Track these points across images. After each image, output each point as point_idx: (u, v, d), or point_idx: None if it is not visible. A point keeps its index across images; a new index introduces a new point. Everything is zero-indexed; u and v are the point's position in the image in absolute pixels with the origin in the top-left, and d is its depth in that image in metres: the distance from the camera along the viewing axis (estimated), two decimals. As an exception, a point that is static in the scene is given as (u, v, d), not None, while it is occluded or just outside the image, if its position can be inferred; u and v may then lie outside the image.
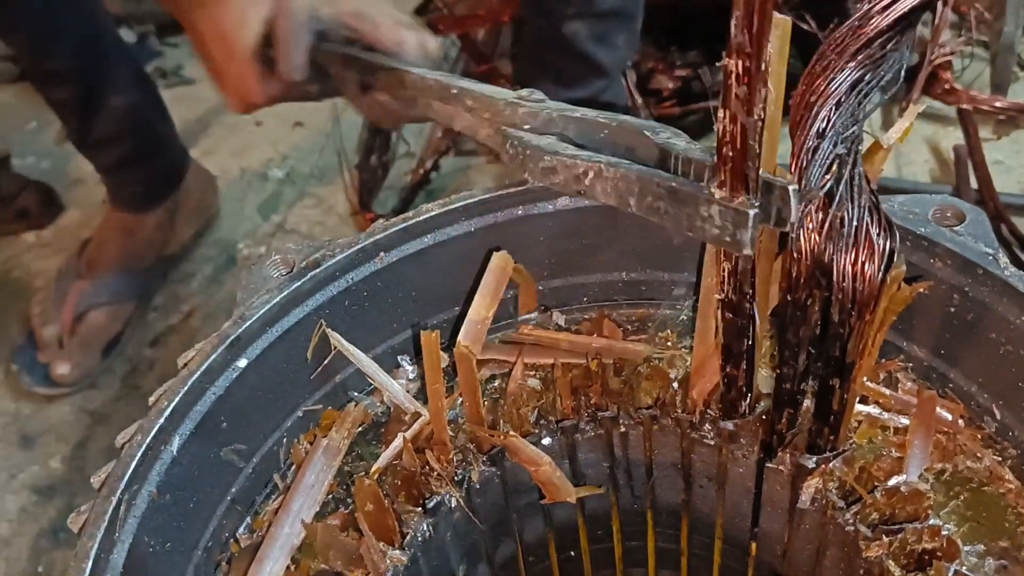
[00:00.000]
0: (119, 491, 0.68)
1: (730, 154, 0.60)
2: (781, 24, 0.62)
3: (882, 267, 0.66)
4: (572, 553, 0.99)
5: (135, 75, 1.78)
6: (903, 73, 0.70)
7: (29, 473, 1.70)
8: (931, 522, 0.73)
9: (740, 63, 0.55)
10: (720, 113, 0.61)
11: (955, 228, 0.77)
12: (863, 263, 0.66)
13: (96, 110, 1.68)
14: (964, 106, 1.94)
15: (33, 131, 2.44)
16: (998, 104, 1.97)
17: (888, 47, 0.67)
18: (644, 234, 0.88)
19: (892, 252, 0.66)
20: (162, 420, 0.72)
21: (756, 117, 0.58)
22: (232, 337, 0.77)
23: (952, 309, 0.77)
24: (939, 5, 1.93)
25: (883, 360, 0.83)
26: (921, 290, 0.67)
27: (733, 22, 0.55)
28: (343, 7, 0.98)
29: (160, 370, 1.85)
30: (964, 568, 0.71)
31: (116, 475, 0.69)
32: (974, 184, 1.84)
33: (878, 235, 0.67)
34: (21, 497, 1.67)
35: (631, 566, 1.03)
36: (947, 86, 1.98)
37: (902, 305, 0.67)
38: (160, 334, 1.91)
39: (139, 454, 0.70)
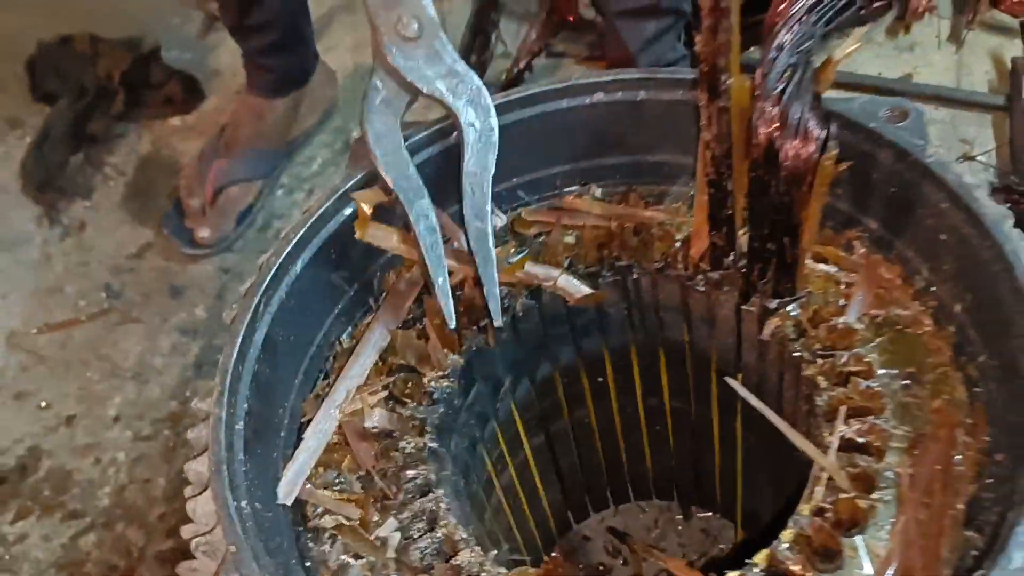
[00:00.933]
0: (259, 293, 0.96)
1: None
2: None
3: (816, 151, 0.88)
4: (600, 380, 1.25)
5: None
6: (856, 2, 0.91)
7: (178, 318, 2.05)
8: (856, 351, 0.96)
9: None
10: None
11: (899, 124, 0.97)
12: (802, 148, 0.88)
13: (255, 1, 1.96)
14: (1028, 20, 2.05)
15: (177, 26, 2.74)
16: (1065, 19, 2.07)
17: None
18: (666, 123, 1.10)
19: (826, 139, 0.88)
20: (290, 247, 1.00)
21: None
22: (340, 190, 1.04)
23: (894, 190, 0.98)
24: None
25: (844, 230, 1.04)
26: (842, 169, 0.89)
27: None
28: None
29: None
30: (876, 384, 0.94)
31: (257, 283, 0.97)
32: (1027, 96, 1.96)
33: (815, 126, 0.88)
34: (171, 337, 2.02)
35: (649, 396, 1.28)
36: None
37: (830, 179, 0.89)
38: (286, 207, 2.22)
39: (274, 268, 0.98)
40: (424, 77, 0.96)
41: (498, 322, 1.01)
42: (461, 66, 0.97)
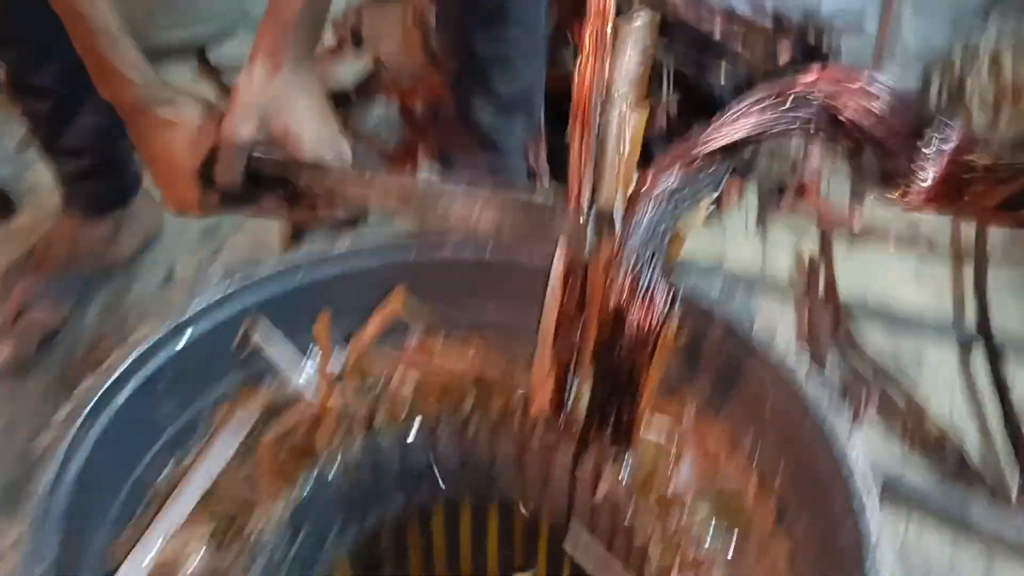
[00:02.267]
0: (78, 422, 0.90)
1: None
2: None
3: (659, 321, 0.93)
4: (427, 535, 1.22)
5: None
6: (720, 189, 0.98)
7: (-43, 446, 1.86)
8: (686, 518, 0.99)
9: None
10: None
11: (728, 302, 1.04)
12: (646, 317, 0.92)
13: (68, 124, 1.90)
14: (824, 221, 2.26)
15: (-6, 138, 2.62)
16: (854, 223, 2.30)
17: (707, 168, 0.95)
18: (507, 282, 1.13)
19: (668, 311, 0.93)
20: (114, 376, 0.94)
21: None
22: (176, 322, 1.00)
23: (724, 359, 1.04)
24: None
25: (674, 396, 1.09)
26: (680, 342, 0.94)
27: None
28: (274, 128, 1.14)
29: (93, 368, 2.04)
30: (705, 549, 0.96)
31: (76, 410, 0.91)
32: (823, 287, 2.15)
33: (661, 298, 0.93)
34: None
35: (477, 554, 1.26)
36: (813, 201, 2.30)
37: (670, 347, 0.93)
38: (96, 336, 2.09)
39: (94, 399, 0.92)
40: None
41: None
42: None
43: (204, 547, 0.95)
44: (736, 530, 0.99)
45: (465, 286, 1.13)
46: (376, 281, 1.11)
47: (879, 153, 0.88)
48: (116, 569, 0.91)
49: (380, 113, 2.69)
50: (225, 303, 1.03)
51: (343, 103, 2.52)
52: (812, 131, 0.92)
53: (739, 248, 2.37)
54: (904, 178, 0.87)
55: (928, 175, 0.87)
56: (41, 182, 2.47)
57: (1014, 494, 1.75)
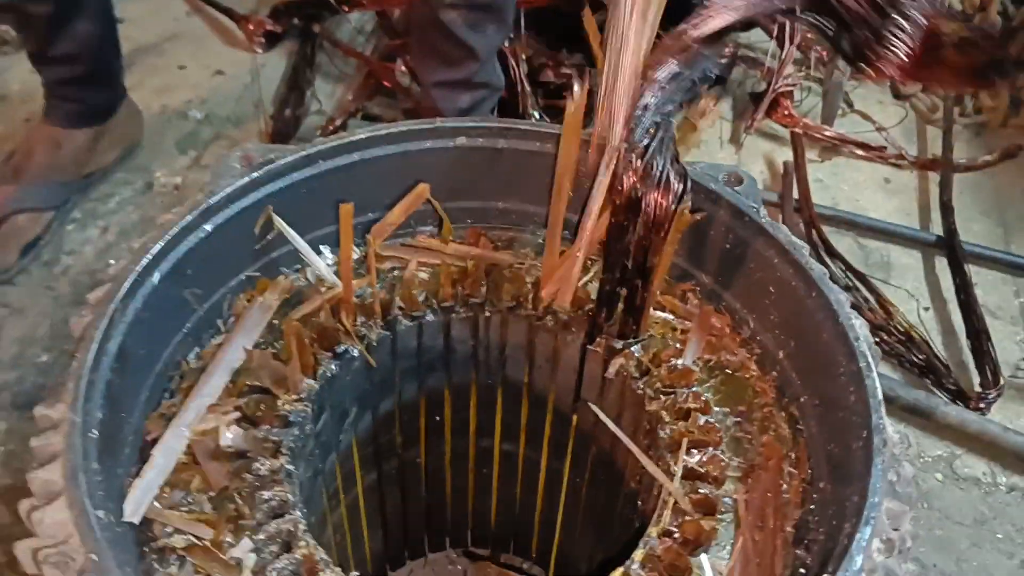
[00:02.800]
0: (116, 300, 0.92)
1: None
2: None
3: (675, 201, 0.97)
4: (438, 418, 1.27)
5: (104, 8, 1.99)
6: (712, 72, 1.01)
7: (-57, 355, 1.87)
8: (694, 389, 1.05)
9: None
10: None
11: (735, 188, 1.09)
12: (662, 198, 0.97)
13: (63, 30, 1.87)
14: (797, 130, 2.31)
15: (-40, 47, 2.56)
16: (825, 132, 2.35)
17: (701, 53, 0.99)
18: (519, 172, 1.16)
19: (683, 192, 0.97)
20: (149, 257, 0.96)
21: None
22: (203, 207, 1.02)
23: (727, 246, 1.09)
24: (786, 42, 2.30)
25: (679, 283, 1.14)
26: (697, 218, 0.98)
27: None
28: None
29: (73, 276, 2.04)
30: (712, 419, 1.02)
31: (113, 291, 0.93)
32: (796, 195, 2.21)
33: (675, 179, 0.97)
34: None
35: (482, 436, 1.32)
36: (786, 112, 2.34)
37: (685, 226, 0.98)
38: (77, 243, 2.09)
39: (131, 278, 0.94)
40: None
41: None
42: None
43: (239, 418, 0.98)
44: (741, 402, 1.05)
45: (479, 175, 1.16)
46: (391, 170, 1.13)
47: (858, 26, 0.93)
48: (157, 439, 0.95)
49: (359, 20, 2.68)
50: (249, 190, 1.05)
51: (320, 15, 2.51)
52: (797, 11, 0.96)
53: (714, 159, 2.42)
54: (882, 50, 0.92)
55: (903, 46, 0.92)
56: (14, 92, 2.43)
57: (976, 389, 1.85)
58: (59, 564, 0.77)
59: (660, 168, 0.97)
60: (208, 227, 1.03)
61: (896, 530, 0.82)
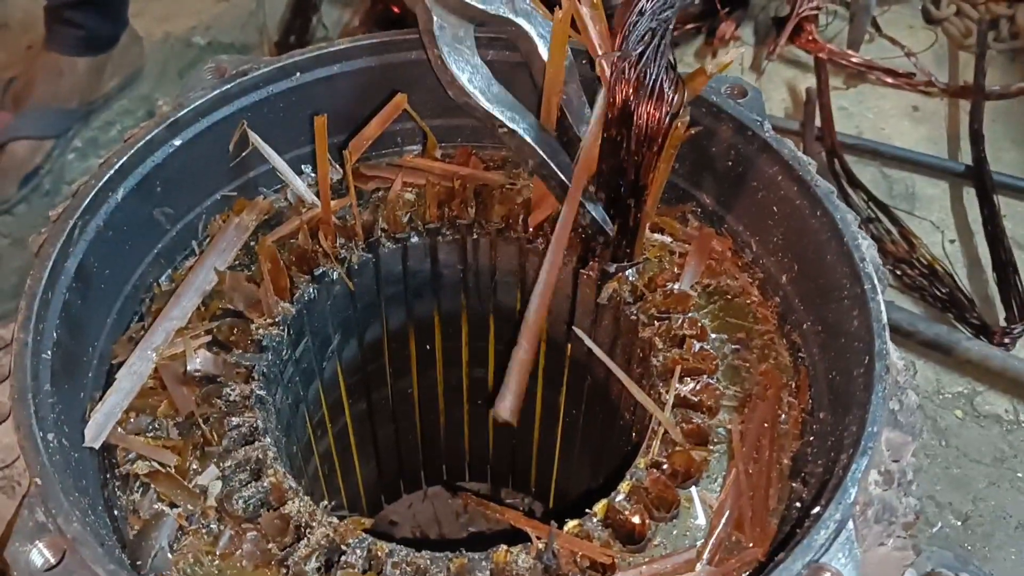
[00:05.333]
0: (74, 217, 0.87)
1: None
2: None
3: (669, 114, 0.90)
4: (428, 347, 1.22)
5: None
6: None
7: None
8: (691, 315, 0.99)
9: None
10: None
11: (739, 100, 1.01)
12: (656, 110, 0.90)
13: None
14: (822, 56, 2.21)
15: (-39, -27, 2.51)
16: (851, 59, 2.25)
17: None
18: (510, 88, 1.09)
19: (678, 103, 0.90)
20: (111, 172, 0.91)
21: None
22: (171, 120, 0.96)
23: (729, 164, 1.02)
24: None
25: (679, 204, 1.07)
26: (692, 132, 0.91)
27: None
28: None
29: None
30: (708, 346, 0.97)
31: (73, 206, 0.88)
32: (819, 123, 2.12)
33: (671, 90, 0.90)
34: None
35: (475, 366, 1.27)
36: (810, 37, 2.25)
37: (680, 141, 0.91)
38: (78, 172, 2.05)
39: (92, 194, 0.89)
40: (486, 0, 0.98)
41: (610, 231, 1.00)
42: None
43: (210, 341, 0.94)
44: (740, 329, 0.99)
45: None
46: (374, 84, 1.07)
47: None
48: (122, 363, 0.91)
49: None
50: (220, 103, 1.00)
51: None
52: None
53: (734, 86, 2.33)
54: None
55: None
56: (15, 20, 2.38)
57: (1001, 324, 1.78)
58: (5, 488, 0.73)
59: (654, 77, 0.90)
60: (177, 141, 0.97)
61: (896, 462, 0.76)
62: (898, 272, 1.87)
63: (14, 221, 1.97)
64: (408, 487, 1.47)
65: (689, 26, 2.37)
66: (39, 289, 0.82)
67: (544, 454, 1.36)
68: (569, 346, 1.16)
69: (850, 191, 1.99)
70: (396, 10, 2.35)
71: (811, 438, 0.88)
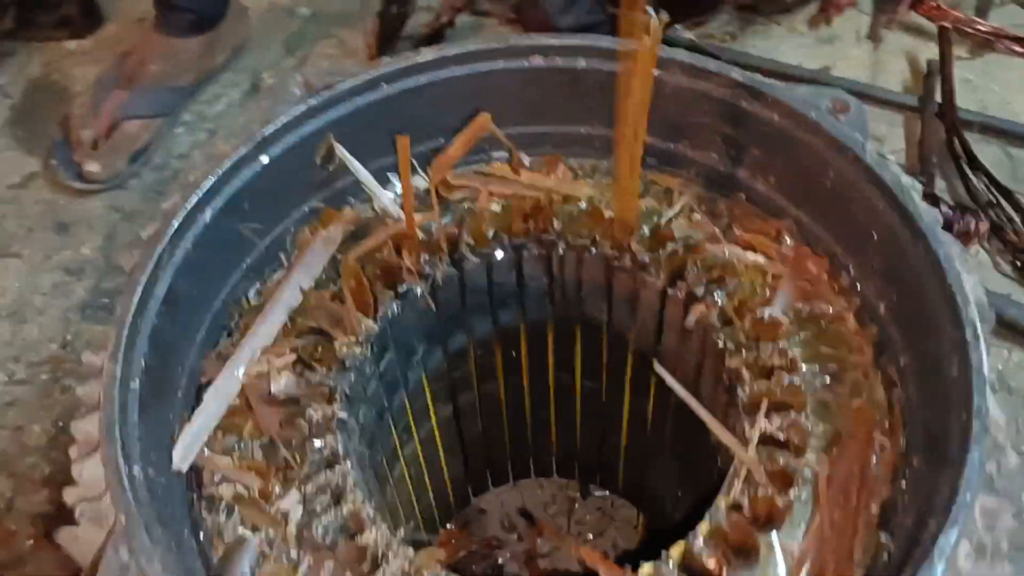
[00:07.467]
0: (163, 243, 0.89)
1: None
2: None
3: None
4: (514, 354, 1.22)
5: None
6: None
7: (62, 256, 1.92)
8: (781, 345, 0.95)
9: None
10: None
11: (840, 115, 0.96)
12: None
13: None
14: (945, 24, 2.08)
15: (77, -56, 2.57)
16: (979, 26, 2.11)
17: None
18: (602, 95, 1.06)
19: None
20: (200, 194, 0.92)
21: None
22: (259, 138, 0.97)
23: (828, 183, 0.97)
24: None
25: (772, 219, 1.03)
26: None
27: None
28: None
29: (183, 179, 2.06)
30: (798, 379, 0.93)
31: (161, 231, 0.90)
32: (939, 98, 2.00)
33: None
34: (54, 276, 1.90)
35: (561, 370, 1.26)
36: (934, 3, 2.11)
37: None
38: (185, 147, 2.10)
39: (181, 216, 0.91)
40: None
41: None
42: None
43: (295, 360, 0.95)
44: (833, 360, 0.95)
45: (555, 99, 1.07)
46: (461, 94, 1.05)
47: None
48: (211, 381, 0.93)
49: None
50: (307, 117, 1.00)
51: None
52: None
53: (849, 56, 2.22)
54: None
55: None
56: (123, -11, 2.44)
57: None
58: (94, 520, 0.76)
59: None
60: (264, 159, 0.98)
61: (991, 530, 0.72)
62: (1018, 263, 1.76)
63: (126, 195, 2.03)
64: (496, 480, 1.48)
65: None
66: (128, 318, 0.84)
67: (631, 457, 1.35)
68: (655, 360, 1.14)
69: (970, 173, 1.88)
70: None
71: (903, 484, 0.85)
